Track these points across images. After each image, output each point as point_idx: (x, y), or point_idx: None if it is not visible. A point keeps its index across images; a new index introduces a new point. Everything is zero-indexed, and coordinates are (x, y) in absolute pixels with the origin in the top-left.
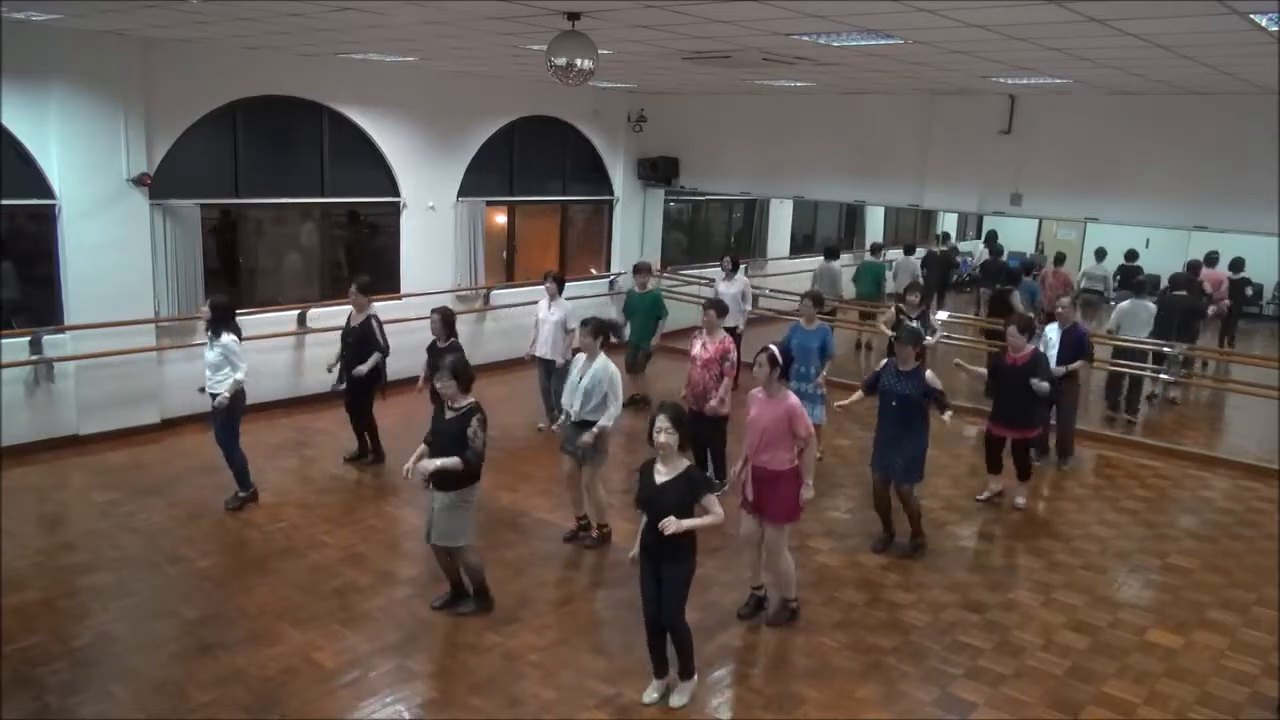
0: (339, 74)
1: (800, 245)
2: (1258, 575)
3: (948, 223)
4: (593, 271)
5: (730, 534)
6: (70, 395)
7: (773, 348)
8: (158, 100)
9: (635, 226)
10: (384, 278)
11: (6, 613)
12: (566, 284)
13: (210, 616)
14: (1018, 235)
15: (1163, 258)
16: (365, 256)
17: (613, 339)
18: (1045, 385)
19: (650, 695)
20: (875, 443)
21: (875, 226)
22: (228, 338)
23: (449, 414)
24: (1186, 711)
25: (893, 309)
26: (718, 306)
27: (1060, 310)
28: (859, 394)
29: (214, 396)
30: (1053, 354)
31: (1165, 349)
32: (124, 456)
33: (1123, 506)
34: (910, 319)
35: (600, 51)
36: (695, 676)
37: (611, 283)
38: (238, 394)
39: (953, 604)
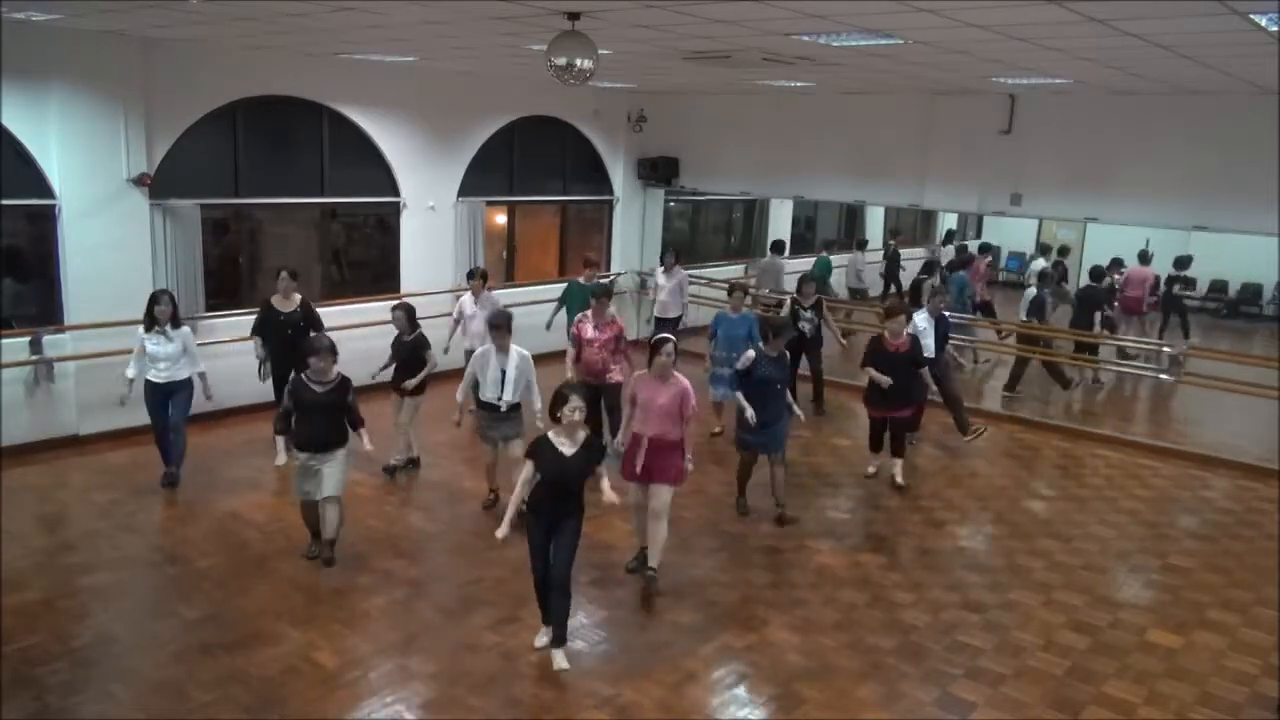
0: (339, 74)
1: (801, 245)
2: (1258, 575)
3: (948, 222)
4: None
5: (728, 532)
6: (70, 395)
7: (673, 338)
8: (158, 100)
9: (635, 226)
10: (384, 277)
11: (6, 613)
12: (563, 284)
13: (210, 616)
14: (1015, 235)
15: (1162, 257)
16: (365, 256)
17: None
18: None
19: (540, 640)
20: (751, 425)
21: (876, 226)
22: (185, 328)
23: (320, 389)
24: (1186, 711)
25: (788, 300)
26: (605, 292)
27: (942, 301)
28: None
29: (169, 385)
30: (929, 342)
31: (1166, 348)
32: (124, 456)
33: (1123, 506)
34: (805, 309)
35: (600, 51)
36: (566, 644)
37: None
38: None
39: (953, 604)
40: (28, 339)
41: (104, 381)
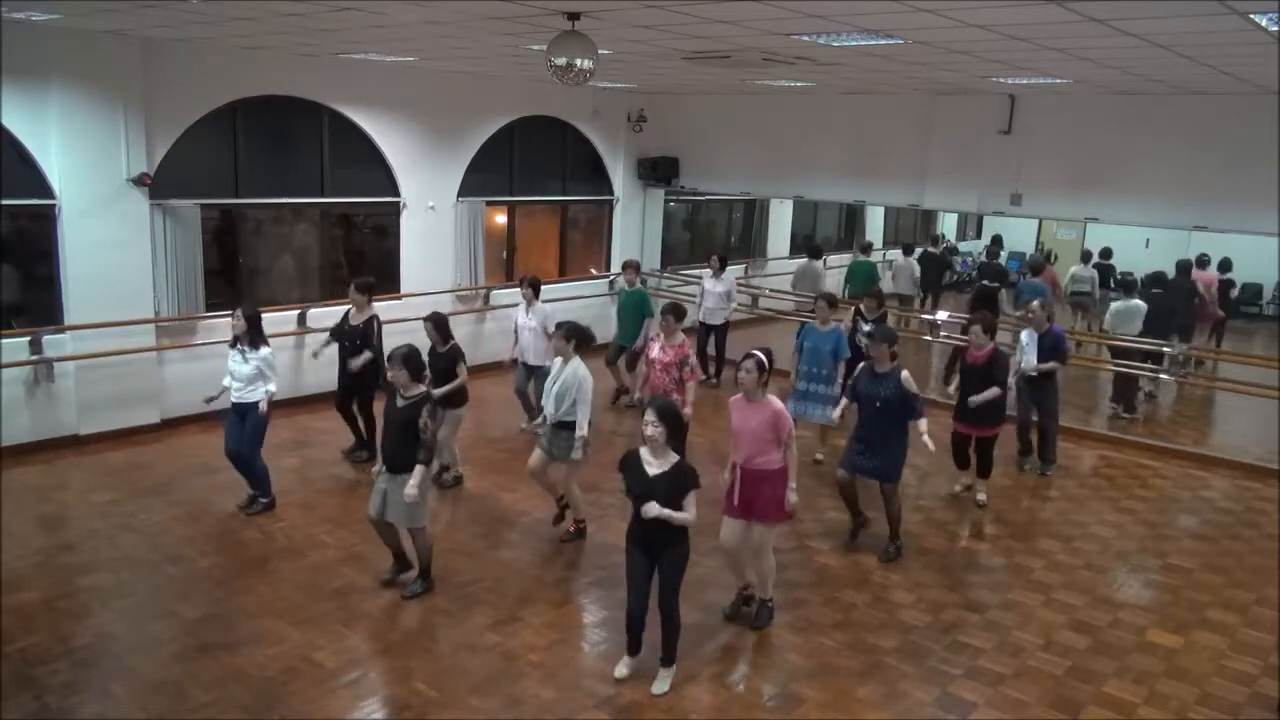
0: (339, 74)
1: (801, 245)
2: (1258, 575)
3: (948, 223)
4: (592, 271)
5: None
6: (70, 395)
7: (759, 354)
8: (158, 100)
9: (635, 226)
10: (384, 278)
11: (6, 613)
12: (567, 284)
13: (210, 616)
14: (1015, 236)
15: (1163, 258)
16: (365, 256)
17: (585, 344)
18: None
19: (621, 671)
20: (850, 443)
21: (875, 227)
22: (265, 350)
23: (400, 402)
24: (1186, 711)
25: (851, 312)
26: (676, 311)
27: (1032, 314)
28: (844, 401)
29: (238, 406)
30: (1031, 359)
31: (1166, 348)
32: (124, 456)
33: (1123, 506)
34: (868, 321)
35: (600, 51)
36: (675, 664)
37: (611, 283)
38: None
39: (953, 604)
40: (28, 339)
41: (104, 381)
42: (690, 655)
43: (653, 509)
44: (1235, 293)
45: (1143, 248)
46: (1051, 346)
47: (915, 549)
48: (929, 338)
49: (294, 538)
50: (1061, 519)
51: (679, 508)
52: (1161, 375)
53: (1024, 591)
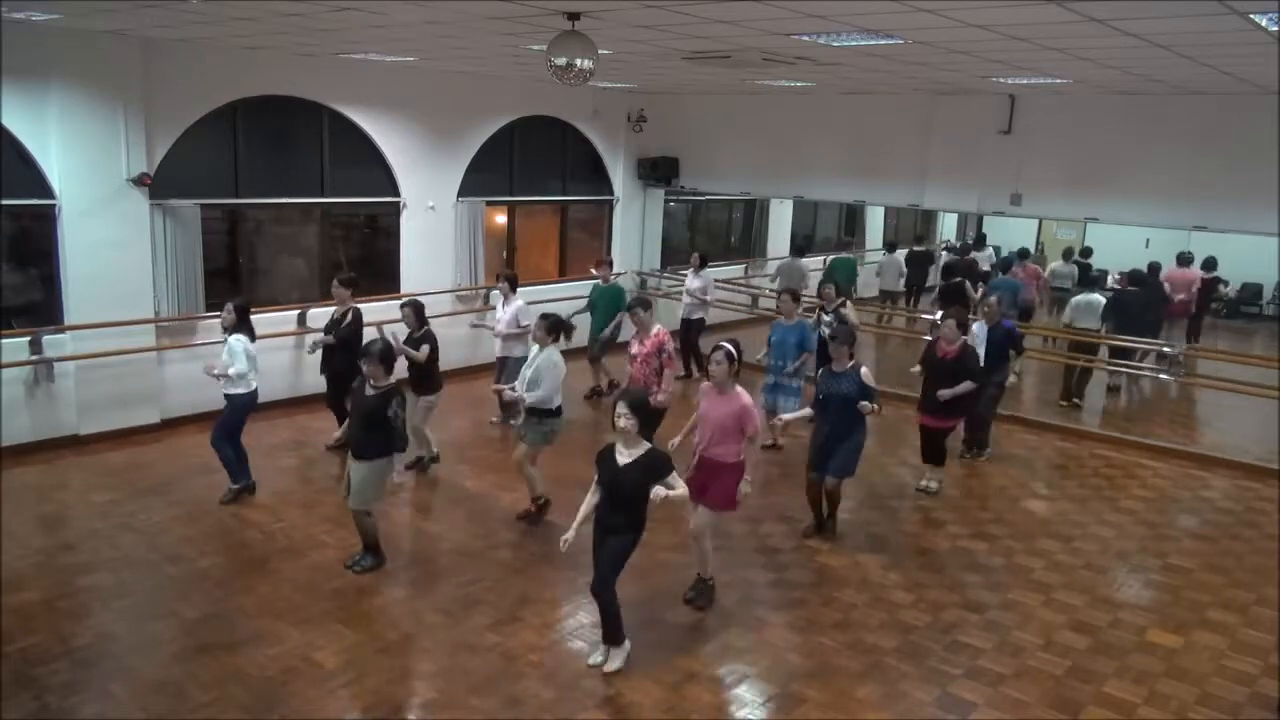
0: (339, 74)
1: (801, 245)
2: (1258, 575)
3: (948, 223)
4: (592, 271)
5: (728, 531)
6: (70, 395)
7: (728, 345)
8: (158, 100)
9: (635, 226)
10: (384, 278)
11: (6, 613)
12: (566, 284)
13: (210, 616)
14: (1016, 236)
15: (1162, 257)
16: (365, 256)
17: (564, 338)
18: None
19: (596, 658)
20: (813, 443)
21: (876, 227)
22: (234, 337)
23: (370, 391)
24: (1186, 711)
25: (817, 309)
26: (642, 303)
27: (986, 309)
28: (807, 410)
29: (225, 395)
30: (980, 350)
31: (1166, 348)
32: (124, 456)
33: (1122, 506)
34: (828, 312)
35: (600, 51)
36: (627, 641)
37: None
38: (241, 397)
39: (953, 604)
40: (28, 339)
41: (104, 381)
42: (690, 655)
43: (659, 493)
44: (1226, 290)
45: (1143, 247)
46: (1000, 339)
47: (915, 549)
48: (929, 337)
49: (294, 538)
50: (1061, 519)
51: (647, 494)
52: (1163, 375)
53: (1024, 591)
